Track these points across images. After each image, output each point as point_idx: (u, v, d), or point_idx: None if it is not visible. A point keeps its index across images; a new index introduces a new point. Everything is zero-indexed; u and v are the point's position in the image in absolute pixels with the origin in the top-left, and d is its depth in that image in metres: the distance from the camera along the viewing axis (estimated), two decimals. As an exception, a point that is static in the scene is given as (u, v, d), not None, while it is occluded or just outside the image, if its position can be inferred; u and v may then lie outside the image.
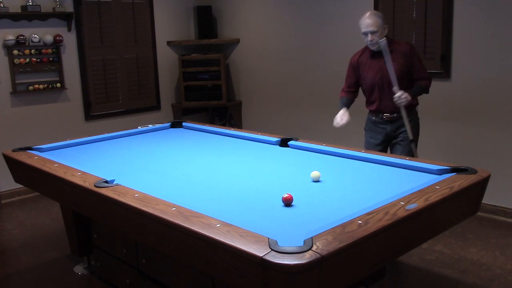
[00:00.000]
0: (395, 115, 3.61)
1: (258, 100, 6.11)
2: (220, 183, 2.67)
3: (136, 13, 5.81)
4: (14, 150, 3.40)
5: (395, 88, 3.46)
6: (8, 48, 4.89)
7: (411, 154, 3.61)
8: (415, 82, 3.59)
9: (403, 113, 3.53)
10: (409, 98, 3.47)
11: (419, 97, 3.69)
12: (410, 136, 3.56)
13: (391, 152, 3.71)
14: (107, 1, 5.55)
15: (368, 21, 3.47)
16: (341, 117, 3.64)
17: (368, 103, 3.74)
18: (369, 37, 3.48)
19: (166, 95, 6.23)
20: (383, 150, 3.72)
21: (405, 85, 3.54)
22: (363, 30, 3.50)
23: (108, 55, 5.63)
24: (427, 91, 3.64)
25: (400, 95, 3.45)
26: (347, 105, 3.73)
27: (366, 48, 3.66)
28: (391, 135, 3.68)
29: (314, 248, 1.72)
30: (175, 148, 3.52)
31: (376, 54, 3.58)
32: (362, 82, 3.70)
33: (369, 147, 3.75)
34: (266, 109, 6.03)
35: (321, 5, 5.23)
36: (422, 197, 2.21)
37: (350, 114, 3.68)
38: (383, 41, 3.41)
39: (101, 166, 3.00)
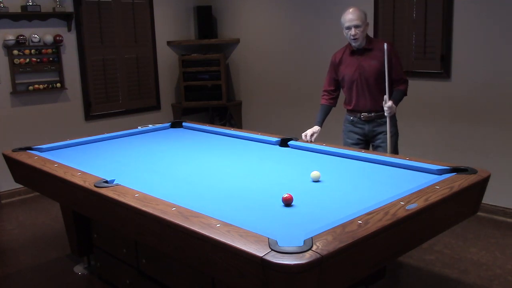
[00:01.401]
0: (372, 114, 3.58)
1: (258, 100, 6.11)
2: (220, 183, 2.67)
3: (136, 13, 5.81)
4: (14, 150, 3.40)
5: (386, 97, 3.42)
6: (8, 48, 4.89)
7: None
8: (394, 85, 3.53)
9: (388, 124, 3.46)
10: (395, 109, 3.46)
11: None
12: (389, 151, 3.47)
13: None
14: (107, 1, 5.55)
15: (351, 16, 3.44)
16: (311, 134, 3.50)
17: (346, 102, 3.71)
18: (353, 31, 3.43)
19: (166, 95, 6.23)
20: None
21: (383, 84, 3.51)
22: (347, 24, 3.45)
23: (108, 55, 5.63)
24: (405, 94, 3.60)
25: (390, 106, 3.41)
26: (323, 118, 3.68)
27: (347, 47, 3.64)
28: (368, 135, 3.64)
29: (314, 248, 1.72)
30: (175, 148, 3.52)
31: (356, 52, 3.56)
32: (341, 80, 3.67)
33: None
34: (266, 109, 6.03)
35: (321, 5, 5.22)
36: (422, 197, 2.21)
37: (338, 116, 3.65)
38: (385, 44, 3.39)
39: (101, 166, 3.00)
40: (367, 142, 3.69)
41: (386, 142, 3.50)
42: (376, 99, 3.53)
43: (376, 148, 3.63)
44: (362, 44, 3.52)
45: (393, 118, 3.58)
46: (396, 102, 3.49)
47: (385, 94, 3.41)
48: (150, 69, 6.03)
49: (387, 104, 3.41)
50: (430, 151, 4.47)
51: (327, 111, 3.73)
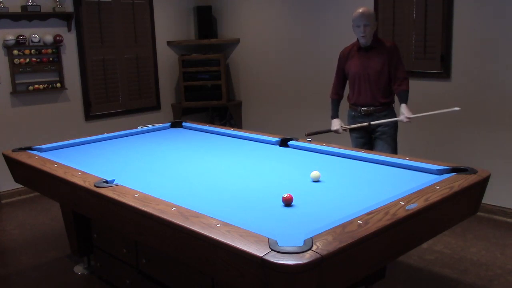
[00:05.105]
0: (371, 108, 3.76)
1: (258, 100, 6.11)
2: (220, 183, 2.67)
3: (136, 13, 5.81)
4: (14, 150, 3.40)
5: (402, 109, 3.64)
6: (8, 48, 4.88)
7: (394, 150, 3.76)
8: (395, 84, 3.70)
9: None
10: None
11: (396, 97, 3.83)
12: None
13: (374, 148, 3.83)
14: (107, 1, 5.55)
15: (362, 15, 3.63)
16: (339, 127, 3.89)
17: (349, 96, 3.91)
18: (362, 29, 3.62)
19: (166, 95, 6.23)
20: (367, 143, 3.86)
21: (384, 81, 3.72)
22: (357, 23, 3.64)
23: (108, 55, 5.63)
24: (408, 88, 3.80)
25: (406, 115, 3.59)
26: (337, 109, 3.97)
27: (355, 43, 3.82)
28: (369, 128, 3.81)
29: (314, 248, 1.72)
30: (175, 148, 3.52)
31: (362, 49, 3.76)
32: (347, 74, 3.87)
33: (354, 142, 3.91)
34: (266, 109, 6.03)
35: (321, 5, 5.22)
36: (422, 197, 2.21)
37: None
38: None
39: (101, 166, 3.00)
40: (369, 135, 3.87)
41: (385, 134, 3.74)
42: (375, 94, 3.74)
43: (375, 140, 3.82)
44: (369, 42, 3.70)
45: (391, 112, 3.81)
46: (406, 101, 3.69)
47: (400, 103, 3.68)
48: (150, 69, 6.03)
49: (404, 114, 3.60)
50: (430, 151, 4.47)
51: (337, 106, 4.00)
